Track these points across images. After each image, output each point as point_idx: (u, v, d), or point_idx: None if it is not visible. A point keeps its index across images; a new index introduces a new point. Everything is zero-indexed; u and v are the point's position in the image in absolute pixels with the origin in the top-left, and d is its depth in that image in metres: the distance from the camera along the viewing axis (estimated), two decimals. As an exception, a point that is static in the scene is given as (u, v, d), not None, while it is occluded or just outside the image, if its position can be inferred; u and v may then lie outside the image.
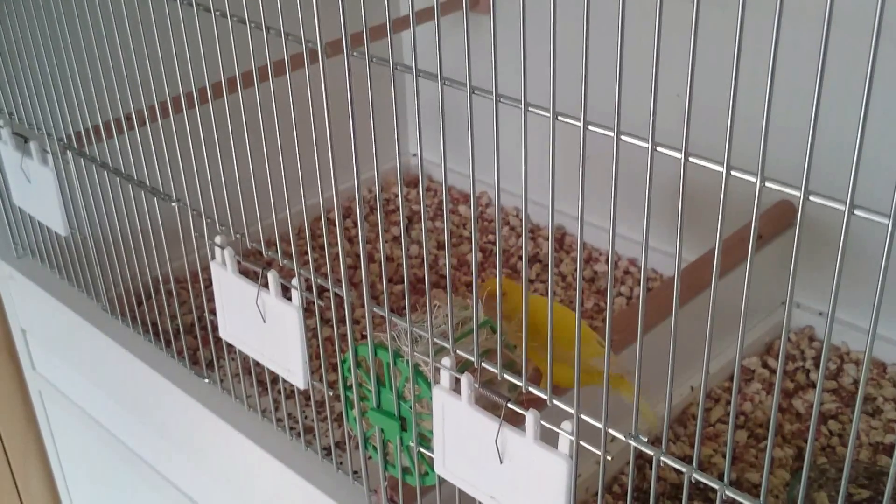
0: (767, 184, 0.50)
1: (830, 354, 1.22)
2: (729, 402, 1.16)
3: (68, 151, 1.09)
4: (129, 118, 0.98)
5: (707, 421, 1.13)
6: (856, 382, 1.18)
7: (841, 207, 0.47)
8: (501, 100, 0.59)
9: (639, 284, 1.36)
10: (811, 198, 0.48)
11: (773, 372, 1.20)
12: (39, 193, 1.14)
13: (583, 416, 0.65)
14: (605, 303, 1.33)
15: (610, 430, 0.65)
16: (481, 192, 1.57)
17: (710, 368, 1.18)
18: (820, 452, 1.08)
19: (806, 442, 1.09)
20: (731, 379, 1.20)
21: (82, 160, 1.08)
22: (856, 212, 0.47)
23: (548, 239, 1.46)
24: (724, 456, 1.08)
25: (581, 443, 0.66)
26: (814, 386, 1.18)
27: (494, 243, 1.46)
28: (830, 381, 1.18)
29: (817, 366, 1.20)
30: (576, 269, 1.39)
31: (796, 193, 0.49)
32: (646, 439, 0.64)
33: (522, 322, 0.67)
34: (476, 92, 0.60)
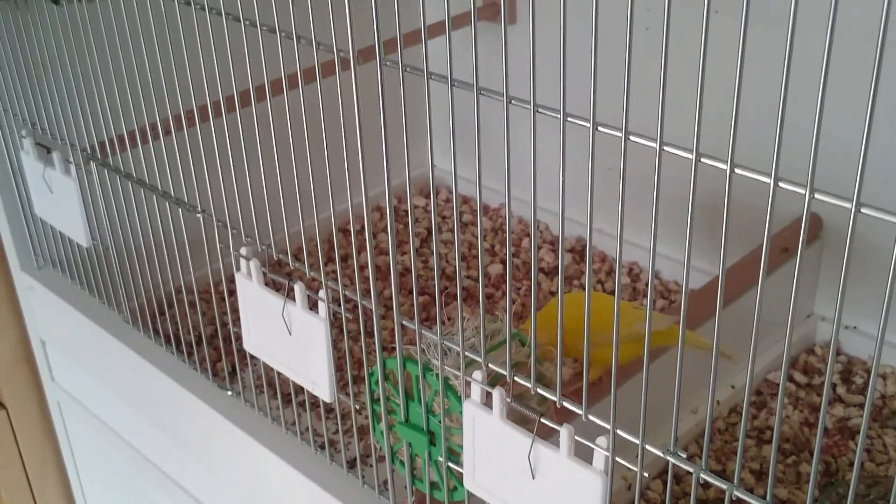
0: (817, 196, 0.49)
1: (857, 368, 1.21)
2: (755, 417, 1.15)
3: (91, 162, 1.08)
4: (153, 128, 0.98)
5: (733, 435, 1.12)
6: (883, 397, 1.17)
7: (894, 220, 0.46)
8: (540, 110, 0.59)
9: (661, 297, 1.35)
10: (863, 210, 0.47)
11: (800, 386, 1.19)
12: (62, 204, 1.14)
13: (618, 432, 0.64)
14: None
15: (647, 446, 0.64)
16: (501, 205, 1.56)
17: (736, 382, 1.17)
18: (848, 468, 1.07)
19: (834, 457, 1.08)
20: (757, 393, 1.18)
21: (105, 171, 1.07)
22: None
23: (569, 251, 1.46)
24: (751, 471, 1.07)
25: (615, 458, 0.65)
26: (841, 400, 1.16)
27: (514, 255, 1.46)
28: (858, 395, 1.16)
29: (844, 380, 1.19)
30: (597, 282, 1.37)
31: (846, 206, 0.49)
32: (684, 455, 0.63)
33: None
34: (513, 102, 0.60)
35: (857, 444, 1.09)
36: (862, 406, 1.16)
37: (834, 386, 1.19)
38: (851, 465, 1.08)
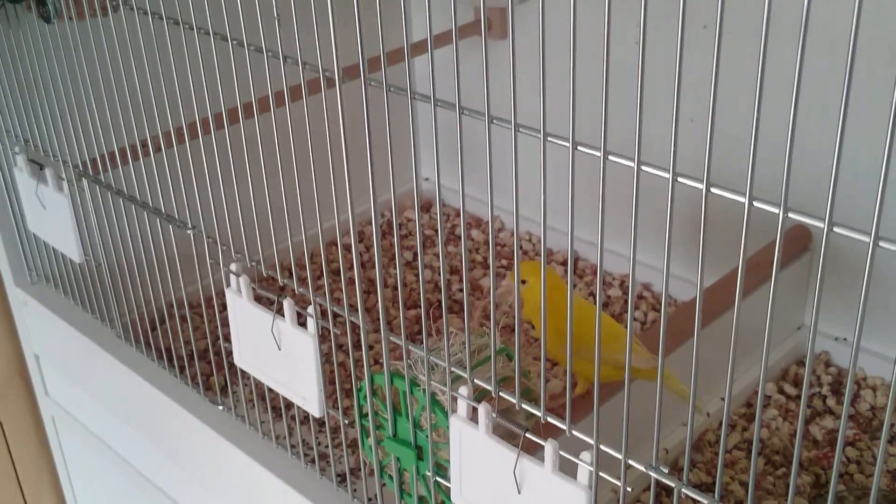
0: (791, 215, 0.49)
1: (847, 380, 1.21)
2: (745, 429, 1.15)
3: (83, 178, 1.09)
4: (144, 144, 0.98)
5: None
6: (873, 409, 1.17)
7: (865, 239, 0.47)
8: (521, 130, 0.59)
9: (653, 309, 1.36)
10: (835, 229, 0.48)
11: (790, 398, 1.19)
12: (54, 220, 1.14)
13: (602, 447, 0.65)
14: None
15: (630, 462, 0.64)
16: (495, 217, 1.57)
17: (725, 394, 1.17)
18: (838, 480, 1.07)
19: (823, 469, 1.09)
20: (748, 405, 1.19)
21: (97, 187, 1.08)
22: (881, 244, 0.46)
23: (561, 263, 1.46)
24: (741, 483, 1.07)
25: (599, 473, 0.65)
26: (831, 412, 1.17)
27: (507, 268, 1.46)
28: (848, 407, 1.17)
29: (834, 391, 1.20)
30: (589, 294, 1.38)
31: (819, 224, 0.49)
32: (666, 470, 0.63)
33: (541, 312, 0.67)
34: (495, 122, 0.60)
35: (847, 457, 1.10)
36: (851, 418, 1.16)
37: (824, 398, 1.19)
38: (841, 476, 1.09)
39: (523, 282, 0.93)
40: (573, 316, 0.63)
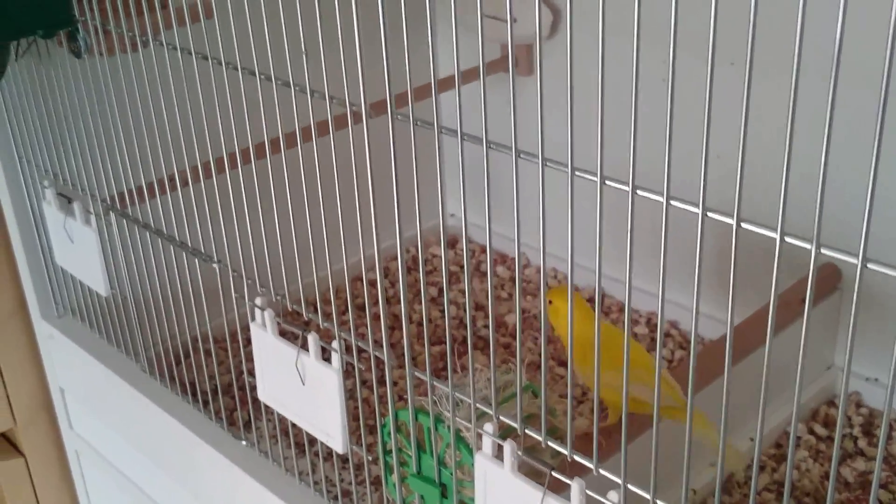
0: (823, 251, 0.49)
1: (879, 421, 1.19)
2: (774, 470, 1.13)
3: (111, 212, 1.09)
4: (171, 179, 0.99)
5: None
6: (906, 450, 1.15)
7: (899, 275, 0.46)
8: (548, 164, 0.59)
9: (680, 347, 1.34)
10: (869, 265, 0.47)
11: (820, 439, 1.17)
12: (82, 253, 1.15)
13: (629, 486, 0.64)
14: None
15: (658, 501, 0.63)
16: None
17: (756, 435, 1.16)
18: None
19: (855, 512, 1.06)
20: (777, 445, 1.17)
21: (125, 221, 1.09)
22: (916, 281, 0.45)
23: (588, 300, 1.45)
24: (770, 525, 1.05)
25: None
26: (862, 454, 1.15)
27: (532, 304, 1.45)
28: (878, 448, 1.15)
29: (865, 433, 1.18)
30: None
31: (851, 260, 0.48)
32: (695, 511, 0.62)
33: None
34: (522, 156, 0.60)
35: (879, 500, 1.08)
36: (884, 460, 1.14)
37: (855, 439, 1.17)
38: (874, 519, 1.06)
39: (550, 302, 0.92)
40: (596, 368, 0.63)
